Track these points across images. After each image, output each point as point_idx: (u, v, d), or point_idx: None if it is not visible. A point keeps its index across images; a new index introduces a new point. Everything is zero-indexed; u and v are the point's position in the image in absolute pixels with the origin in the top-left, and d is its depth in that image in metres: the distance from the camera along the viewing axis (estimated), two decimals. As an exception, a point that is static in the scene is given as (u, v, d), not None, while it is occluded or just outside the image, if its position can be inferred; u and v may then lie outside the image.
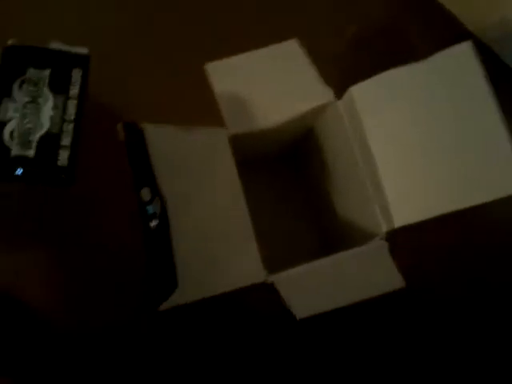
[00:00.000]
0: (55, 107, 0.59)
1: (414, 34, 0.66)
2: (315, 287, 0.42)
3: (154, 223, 0.35)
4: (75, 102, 0.60)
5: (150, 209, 0.35)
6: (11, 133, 0.58)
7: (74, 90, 0.60)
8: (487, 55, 0.67)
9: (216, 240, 0.40)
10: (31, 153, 0.58)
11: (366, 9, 0.67)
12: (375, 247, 0.42)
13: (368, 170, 0.42)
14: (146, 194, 0.35)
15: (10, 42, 0.60)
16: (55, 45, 0.61)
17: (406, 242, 0.51)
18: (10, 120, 0.58)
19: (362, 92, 0.42)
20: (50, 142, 0.58)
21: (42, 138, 0.58)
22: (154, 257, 0.35)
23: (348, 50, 0.64)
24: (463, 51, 0.40)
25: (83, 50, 0.62)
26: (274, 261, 0.41)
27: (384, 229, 0.42)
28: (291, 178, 0.59)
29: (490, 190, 0.38)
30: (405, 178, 0.40)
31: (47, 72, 0.60)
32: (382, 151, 0.41)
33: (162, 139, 0.37)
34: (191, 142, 0.40)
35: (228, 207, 0.40)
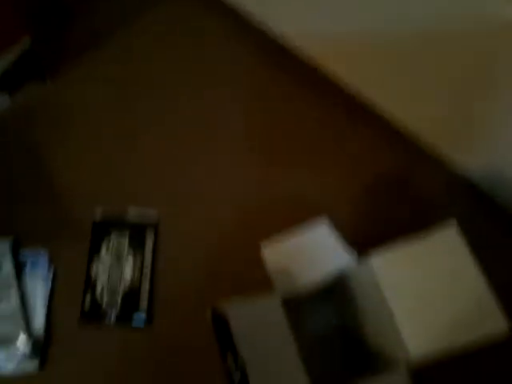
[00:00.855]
0: (134, 263, 0.76)
1: (417, 184, 0.81)
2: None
3: (236, 377, 0.49)
4: (150, 257, 0.76)
5: (233, 365, 0.49)
6: (102, 287, 0.74)
7: (149, 247, 0.77)
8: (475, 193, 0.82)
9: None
10: (118, 302, 0.73)
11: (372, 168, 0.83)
12: (397, 375, 0.56)
13: (387, 314, 0.56)
14: (230, 357, 0.50)
15: (97, 216, 0.78)
16: (132, 210, 0.79)
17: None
18: (100, 277, 0.74)
19: (377, 259, 0.56)
20: (132, 291, 0.74)
21: (126, 289, 0.74)
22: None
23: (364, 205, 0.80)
24: (449, 230, 0.55)
25: (153, 212, 0.79)
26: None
27: (404, 361, 0.55)
28: (330, 315, 0.74)
29: (479, 331, 0.52)
30: (416, 324, 0.54)
31: (126, 235, 0.77)
32: (396, 302, 0.55)
33: (235, 315, 0.52)
34: (254, 311, 0.55)
35: (287, 357, 0.54)
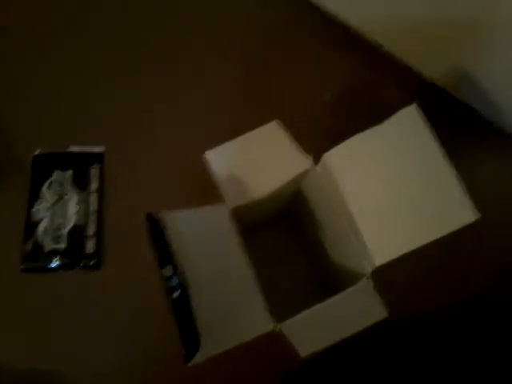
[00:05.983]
0: (79, 202, 0.69)
1: (382, 92, 0.75)
2: (315, 328, 0.49)
3: (176, 294, 0.43)
4: (96, 194, 0.69)
5: (173, 282, 0.43)
6: (45, 230, 0.67)
7: (94, 185, 0.70)
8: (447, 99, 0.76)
9: (229, 301, 0.47)
10: (62, 245, 0.67)
11: (339, 75, 0.77)
12: (362, 287, 0.49)
13: (347, 219, 0.50)
14: (168, 270, 0.43)
15: (36, 152, 0.71)
16: (75, 148, 0.72)
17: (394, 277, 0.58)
18: (42, 219, 0.68)
19: (334, 157, 0.50)
20: (77, 233, 0.67)
21: (71, 230, 0.67)
22: (180, 322, 0.42)
23: (325, 116, 0.73)
24: (410, 113, 0.49)
25: (99, 149, 0.72)
26: (281, 304, 0.48)
27: (368, 269, 0.49)
28: (288, 233, 0.67)
29: (447, 225, 0.46)
30: (377, 224, 0.48)
31: (70, 172, 0.70)
32: (356, 204, 0.49)
33: (176, 223, 0.45)
34: (199, 221, 0.48)
35: (236, 270, 0.48)
